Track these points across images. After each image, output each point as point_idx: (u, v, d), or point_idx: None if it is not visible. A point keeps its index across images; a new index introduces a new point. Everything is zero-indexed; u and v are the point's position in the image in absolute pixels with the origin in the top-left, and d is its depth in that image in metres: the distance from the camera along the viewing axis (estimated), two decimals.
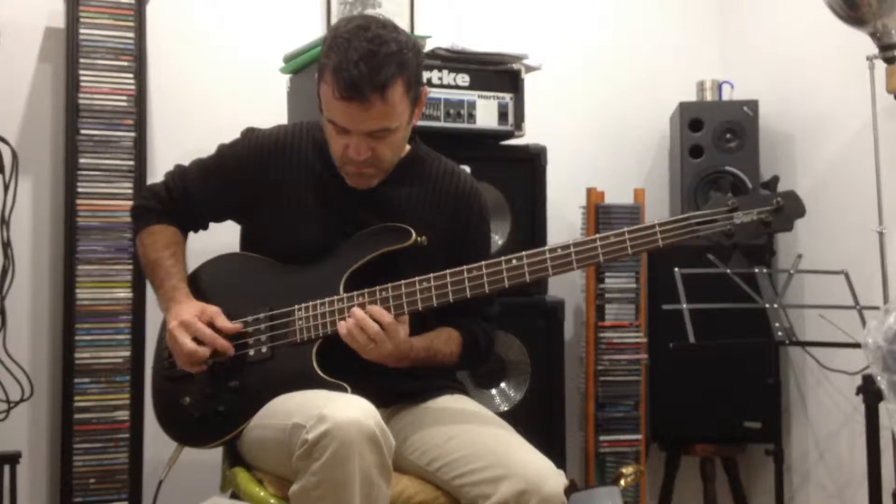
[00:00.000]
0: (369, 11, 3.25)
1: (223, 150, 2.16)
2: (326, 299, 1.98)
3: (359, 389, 1.91)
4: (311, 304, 1.99)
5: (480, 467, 1.87)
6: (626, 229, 1.88)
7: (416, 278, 1.94)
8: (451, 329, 2.10)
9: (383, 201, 2.08)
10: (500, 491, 1.82)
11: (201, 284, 2.12)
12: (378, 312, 1.92)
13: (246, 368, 2.01)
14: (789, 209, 1.89)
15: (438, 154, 2.20)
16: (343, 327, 1.92)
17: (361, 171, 2.01)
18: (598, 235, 1.90)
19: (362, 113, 1.90)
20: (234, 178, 2.11)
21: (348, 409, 1.73)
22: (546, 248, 1.92)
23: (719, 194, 1.95)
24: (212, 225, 2.24)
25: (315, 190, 2.07)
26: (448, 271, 1.94)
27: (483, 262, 1.94)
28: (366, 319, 1.90)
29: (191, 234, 2.23)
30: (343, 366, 1.95)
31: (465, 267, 1.94)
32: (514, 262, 1.92)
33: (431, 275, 1.94)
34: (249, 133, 2.14)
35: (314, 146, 2.10)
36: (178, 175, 2.18)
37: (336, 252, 2.04)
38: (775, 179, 1.94)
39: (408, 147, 2.14)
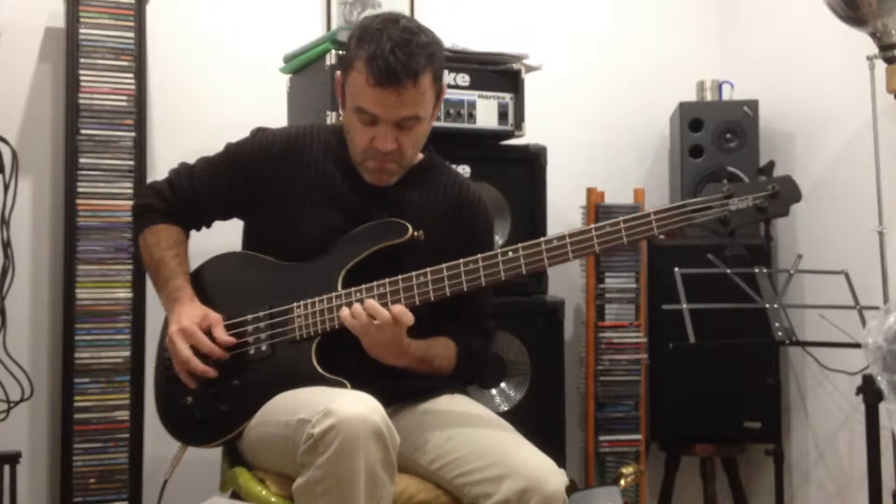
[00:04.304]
0: (369, 11, 3.25)
1: (231, 148, 2.16)
2: (325, 296, 1.98)
3: (359, 389, 1.90)
4: (309, 301, 1.99)
5: (481, 466, 1.87)
6: (621, 218, 1.87)
7: (413, 273, 1.94)
8: (448, 339, 2.12)
9: (391, 203, 2.08)
10: (501, 490, 1.82)
11: (203, 283, 2.12)
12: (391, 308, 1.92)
13: (247, 367, 2.01)
14: (785, 194, 1.86)
15: (450, 165, 2.23)
16: (346, 311, 1.92)
17: (384, 166, 2.03)
18: (593, 225, 1.89)
19: (395, 98, 1.93)
20: (241, 176, 2.11)
21: (354, 405, 1.74)
22: (542, 239, 1.91)
23: (715, 183, 1.92)
24: (214, 224, 2.23)
25: (322, 190, 2.08)
26: (445, 265, 1.94)
27: (479, 256, 1.93)
28: (374, 306, 1.91)
29: (192, 234, 2.22)
30: (343, 365, 1.96)
31: (461, 261, 1.93)
32: (511, 254, 1.91)
33: (428, 269, 1.94)
34: (259, 132, 2.15)
35: (325, 147, 2.11)
36: (184, 174, 2.18)
37: (334, 249, 2.04)
38: (771, 164, 1.92)
39: (421, 155, 2.15)
